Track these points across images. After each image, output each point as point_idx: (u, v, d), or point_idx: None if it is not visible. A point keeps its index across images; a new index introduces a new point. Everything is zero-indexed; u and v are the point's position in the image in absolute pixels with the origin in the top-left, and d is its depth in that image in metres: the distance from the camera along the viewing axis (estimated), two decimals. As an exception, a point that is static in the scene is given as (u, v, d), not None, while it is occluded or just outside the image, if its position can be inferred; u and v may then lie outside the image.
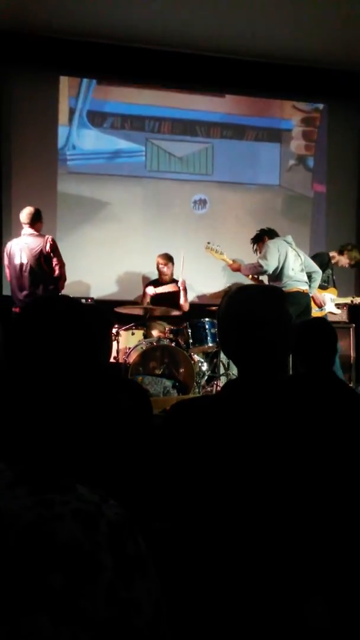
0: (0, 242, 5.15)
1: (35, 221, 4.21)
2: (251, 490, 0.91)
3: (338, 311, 4.81)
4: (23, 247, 4.17)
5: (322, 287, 4.73)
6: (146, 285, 5.03)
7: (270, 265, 4.01)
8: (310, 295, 4.26)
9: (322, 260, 4.66)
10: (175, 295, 4.84)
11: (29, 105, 5.28)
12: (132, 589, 0.57)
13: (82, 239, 5.33)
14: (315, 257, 4.62)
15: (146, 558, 0.60)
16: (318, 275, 4.25)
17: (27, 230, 4.21)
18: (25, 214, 4.20)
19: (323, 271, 4.63)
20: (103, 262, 5.37)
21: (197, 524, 0.93)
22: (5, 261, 4.29)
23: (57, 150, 5.36)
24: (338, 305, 4.81)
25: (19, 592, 0.52)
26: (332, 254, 4.86)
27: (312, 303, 4.51)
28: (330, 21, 4.80)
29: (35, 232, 4.20)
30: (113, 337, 4.26)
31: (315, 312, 4.54)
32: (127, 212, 5.52)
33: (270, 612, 0.87)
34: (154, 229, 5.56)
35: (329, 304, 4.74)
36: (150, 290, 4.86)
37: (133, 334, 4.40)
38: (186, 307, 4.83)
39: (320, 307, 4.62)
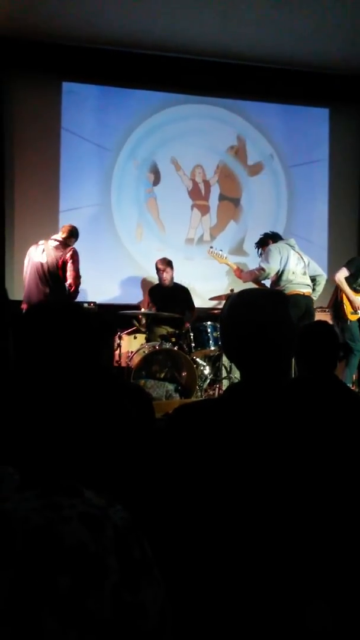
0: (2, 247, 5.18)
1: (70, 236, 4.42)
2: (254, 494, 0.92)
3: None
4: (47, 249, 4.32)
5: (357, 290, 4.67)
6: (148, 291, 5.02)
7: (272, 268, 4.02)
8: (315, 298, 4.25)
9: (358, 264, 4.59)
10: (179, 304, 4.81)
11: (31, 111, 5.30)
12: (138, 593, 0.58)
13: (83, 243, 5.34)
14: (352, 261, 4.56)
15: (152, 563, 0.61)
16: (322, 279, 4.25)
17: (56, 236, 4.39)
18: (64, 227, 4.47)
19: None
20: (105, 265, 5.39)
21: (200, 527, 0.93)
22: (26, 260, 4.42)
23: (60, 155, 5.39)
24: None
25: (27, 594, 0.53)
26: None
27: (349, 306, 4.44)
28: (333, 26, 4.82)
29: (62, 240, 4.37)
30: (115, 342, 4.29)
31: (353, 316, 4.50)
32: (129, 215, 5.54)
33: (272, 616, 0.87)
34: (156, 231, 5.59)
35: None
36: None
37: (135, 337, 4.42)
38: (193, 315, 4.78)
39: (356, 310, 4.56)
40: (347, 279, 4.40)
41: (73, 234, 4.45)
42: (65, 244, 4.36)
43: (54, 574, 0.54)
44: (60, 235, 4.40)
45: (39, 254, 4.32)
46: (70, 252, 4.29)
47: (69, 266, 4.26)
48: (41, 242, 4.39)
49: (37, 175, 5.28)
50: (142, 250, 5.52)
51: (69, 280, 4.28)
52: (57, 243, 4.34)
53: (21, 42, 5.07)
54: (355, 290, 4.61)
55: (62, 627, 0.53)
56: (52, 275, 4.27)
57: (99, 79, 5.41)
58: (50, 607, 0.53)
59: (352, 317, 4.50)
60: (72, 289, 4.29)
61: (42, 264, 4.28)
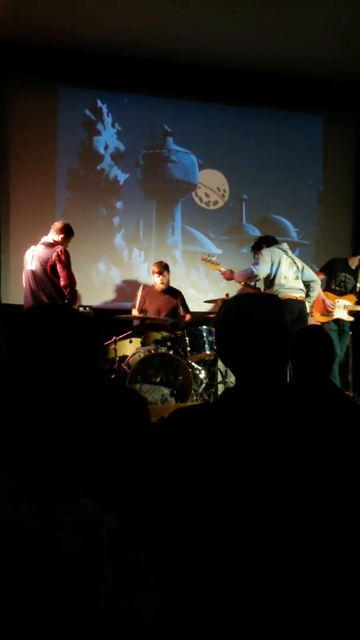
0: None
1: (60, 234, 4.23)
2: (250, 499, 0.91)
3: (350, 318, 4.69)
4: (36, 254, 4.20)
5: (338, 292, 4.70)
6: (141, 289, 4.99)
7: (261, 271, 4.03)
8: (309, 303, 4.27)
9: (335, 265, 4.65)
10: (174, 308, 4.79)
11: (28, 115, 5.30)
12: (133, 600, 0.57)
13: (80, 247, 5.34)
14: (330, 263, 4.61)
15: (147, 569, 0.60)
16: (317, 284, 4.27)
17: (44, 238, 4.23)
18: (54, 226, 4.28)
19: (337, 275, 4.61)
20: (101, 269, 5.39)
21: (196, 533, 0.93)
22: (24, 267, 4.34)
23: (56, 159, 5.39)
24: (352, 312, 4.71)
25: (22, 602, 0.52)
26: (351, 258, 4.80)
27: (320, 308, 4.51)
28: (327, 33, 4.85)
29: (50, 241, 4.20)
30: (111, 345, 4.28)
31: (322, 317, 4.54)
32: (126, 219, 5.55)
33: (269, 622, 0.87)
34: (154, 235, 5.59)
35: (340, 310, 4.66)
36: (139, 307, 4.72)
37: (131, 341, 4.41)
38: (187, 318, 4.73)
39: (328, 312, 4.59)
40: (325, 282, 4.49)
41: (63, 230, 4.23)
42: (52, 244, 4.17)
43: (49, 582, 0.54)
44: (50, 237, 4.22)
45: (29, 261, 4.21)
46: (56, 253, 4.09)
47: (58, 267, 4.07)
48: (32, 247, 4.28)
49: (34, 179, 5.27)
50: (138, 254, 5.52)
51: (62, 282, 4.09)
52: (43, 246, 4.17)
53: (19, 47, 5.08)
54: (334, 292, 4.65)
55: (57, 635, 0.52)
56: (44, 281, 4.12)
57: (96, 84, 5.42)
58: (45, 616, 0.52)
59: (322, 319, 4.56)
60: (67, 290, 4.10)
61: (32, 272, 4.16)
